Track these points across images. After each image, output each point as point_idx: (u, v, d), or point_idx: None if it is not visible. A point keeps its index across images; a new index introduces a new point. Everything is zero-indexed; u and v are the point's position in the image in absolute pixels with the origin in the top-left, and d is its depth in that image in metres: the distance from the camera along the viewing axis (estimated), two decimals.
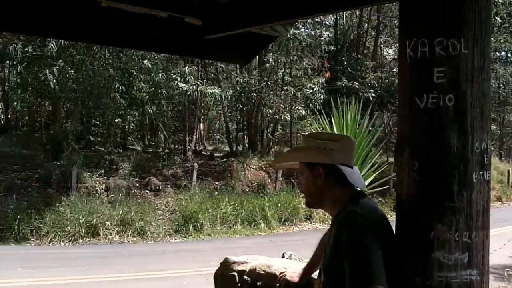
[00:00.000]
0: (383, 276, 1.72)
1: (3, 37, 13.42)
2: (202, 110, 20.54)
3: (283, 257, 3.46)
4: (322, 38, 19.21)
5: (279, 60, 18.40)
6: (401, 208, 1.85)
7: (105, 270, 9.20)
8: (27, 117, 23.68)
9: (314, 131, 18.15)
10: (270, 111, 18.64)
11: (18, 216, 11.35)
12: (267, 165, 17.06)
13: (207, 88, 16.07)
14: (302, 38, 18.00)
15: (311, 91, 17.12)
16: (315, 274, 2.47)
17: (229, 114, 20.74)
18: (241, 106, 18.55)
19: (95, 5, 2.72)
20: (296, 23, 15.03)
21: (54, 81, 13.24)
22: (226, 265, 3.07)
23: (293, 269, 2.75)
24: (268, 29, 3.24)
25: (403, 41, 1.81)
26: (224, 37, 3.21)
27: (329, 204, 2.07)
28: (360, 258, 1.76)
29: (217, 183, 15.73)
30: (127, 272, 9.02)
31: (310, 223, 14.89)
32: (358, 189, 2.06)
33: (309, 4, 2.66)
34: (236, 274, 2.98)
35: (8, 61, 19.65)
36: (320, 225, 14.58)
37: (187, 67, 15.63)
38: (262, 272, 2.88)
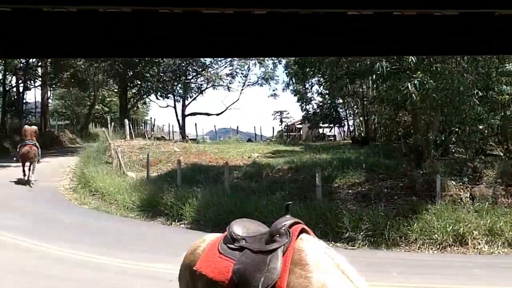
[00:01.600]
0: None
1: (368, 58, 14.59)
2: None
3: None
4: None
5: None
6: None
7: (478, 281, 9.01)
8: (384, 129, 25.25)
9: None
10: None
11: (388, 223, 11.90)
12: None
13: None
14: None
15: None
16: None
17: None
18: None
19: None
20: None
21: (416, 92, 13.70)
22: None
23: None
24: None
25: None
26: None
27: None
28: None
29: None
30: (504, 285, 8.65)
31: None
32: None
33: None
34: None
35: (364, 79, 21.53)
36: None
37: None
38: None
